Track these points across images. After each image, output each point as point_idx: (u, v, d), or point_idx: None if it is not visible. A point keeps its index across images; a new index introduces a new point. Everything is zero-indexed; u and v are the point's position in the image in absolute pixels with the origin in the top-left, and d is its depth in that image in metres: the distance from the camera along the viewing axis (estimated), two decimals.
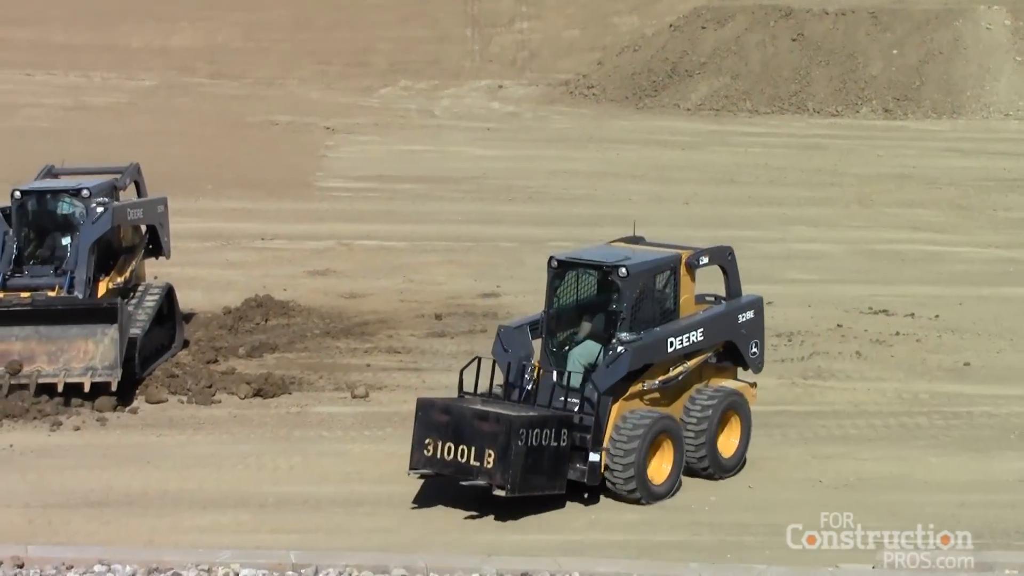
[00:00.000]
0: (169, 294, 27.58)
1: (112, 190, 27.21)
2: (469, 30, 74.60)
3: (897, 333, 29.30)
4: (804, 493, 20.84)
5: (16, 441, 22.70)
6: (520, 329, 20.68)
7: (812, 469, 21.83)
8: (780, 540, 19.04)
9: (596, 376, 19.89)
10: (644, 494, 19.91)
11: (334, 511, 19.90)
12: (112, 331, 24.13)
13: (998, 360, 27.79)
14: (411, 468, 19.69)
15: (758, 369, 22.25)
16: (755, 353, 22.08)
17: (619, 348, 19.95)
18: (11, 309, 24.42)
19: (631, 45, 69.96)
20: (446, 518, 19.36)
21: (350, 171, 47.93)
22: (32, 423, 23.42)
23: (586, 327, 20.55)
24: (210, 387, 25.10)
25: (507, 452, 18.95)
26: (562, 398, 20.06)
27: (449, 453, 19.36)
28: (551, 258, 20.67)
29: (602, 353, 20.14)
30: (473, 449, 19.23)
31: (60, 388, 23.97)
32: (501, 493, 18.99)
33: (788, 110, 62.17)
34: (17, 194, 25.99)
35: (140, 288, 27.32)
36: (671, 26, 69.62)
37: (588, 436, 19.68)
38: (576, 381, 20.09)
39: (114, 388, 24.02)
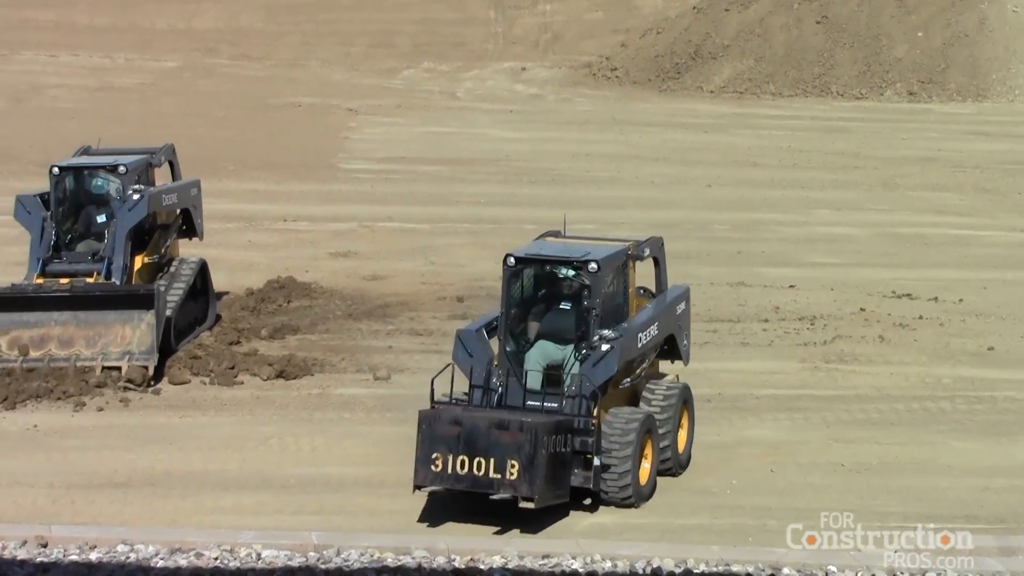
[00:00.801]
0: (203, 270, 27.97)
1: (147, 167, 27.72)
2: (492, 12, 74.48)
3: (921, 317, 29.21)
4: (826, 477, 20.81)
5: (40, 421, 22.80)
6: (479, 332, 19.90)
7: (834, 453, 21.79)
8: (803, 524, 19.00)
9: (587, 375, 19.15)
10: (636, 497, 19.33)
11: (356, 493, 19.93)
12: (149, 316, 24.60)
13: (1022, 344, 27.69)
14: (418, 486, 18.67)
15: (688, 361, 21.86)
16: (685, 344, 21.66)
17: (604, 346, 19.23)
18: (51, 295, 24.85)
19: (654, 27, 69.80)
20: (468, 500, 19.30)
21: (373, 153, 47.95)
22: (56, 404, 23.52)
23: (535, 327, 19.69)
24: (232, 368, 25.18)
25: (533, 461, 18.21)
26: (533, 402, 19.21)
27: (463, 467, 18.36)
28: (508, 256, 19.68)
29: (574, 353, 19.44)
30: (492, 461, 18.27)
31: (98, 372, 24.32)
32: (530, 505, 18.31)
33: (812, 93, 61.98)
34: (56, 170, 26.48)
35: (174, 264, 27.75)
36: (695, 8, 69.44)
37: (589, 440, 18.89)
38: (568, 383, 19.31)
39: (151, 373, 24.38)
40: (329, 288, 30.72)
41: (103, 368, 24.38)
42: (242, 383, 24.75)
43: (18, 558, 16.13)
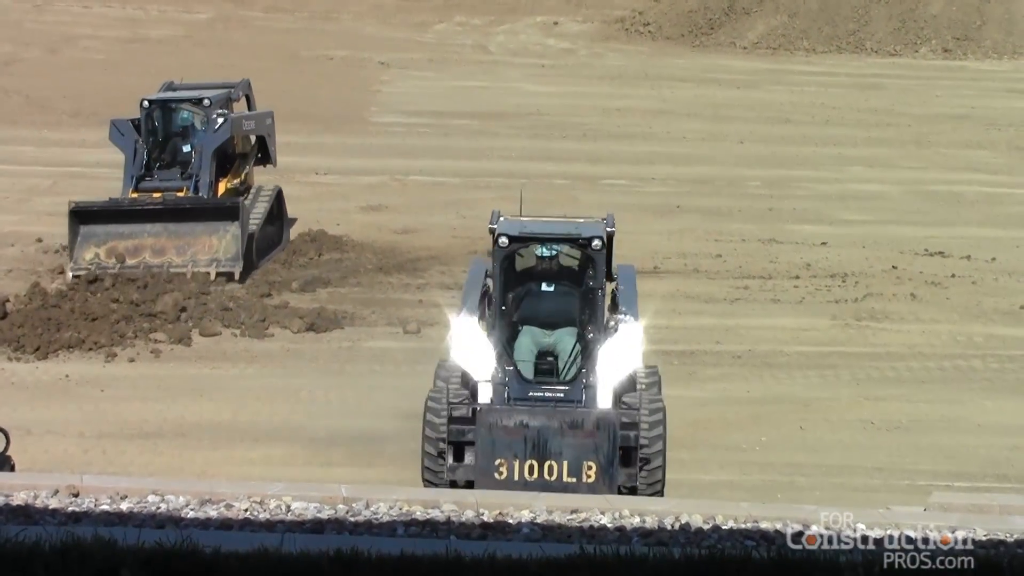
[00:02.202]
0: (279, 196, 30.17)
1: (228, 101, 29.96)
2: None
3: (953, 275, 29.09)
4: (856, 434, 20.79)
5: (72, 371, 22.91)
6: (477, 323, 18.43)
7: (864, 410, 21.76)
8: (831, 481, 19.01)
9: (615, 362, 17.73)
10: (662, 485, 18.10)
11: (385, 445, 19.98)
12: (234, 228, 27.14)
13: None
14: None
15: None
16: None
17: (626, 328, 17.86)
18: (144, 208, 27.35)
19: None
20: None
21: (404, 106, 47.85)
22: (87, 354, 23.64)
23: (521, 312, 18.29)
24: (263, 321, 25.26)
25: (612, 461, 16.96)
26: (536, 393, 17.77)
27: (531, 472, 17.01)
28: (500, 235, 18.22)
29: (578, 339, 18.07)
30: (566, 464, 16.95)
31: (189, 276, 26.73)
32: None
33: (846, 49, 61.54)
34: (146, 103, 28.68)
35: (252, 190, 29.93)
36: None
37: (631, 433, 17.24)
38: (573, 372, 17.95)
39: (237, 278, 26.70)
40: (360, 241, 30.74)
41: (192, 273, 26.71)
42: (272, 335, 24.82)
43: (49, 507, 16.20)
